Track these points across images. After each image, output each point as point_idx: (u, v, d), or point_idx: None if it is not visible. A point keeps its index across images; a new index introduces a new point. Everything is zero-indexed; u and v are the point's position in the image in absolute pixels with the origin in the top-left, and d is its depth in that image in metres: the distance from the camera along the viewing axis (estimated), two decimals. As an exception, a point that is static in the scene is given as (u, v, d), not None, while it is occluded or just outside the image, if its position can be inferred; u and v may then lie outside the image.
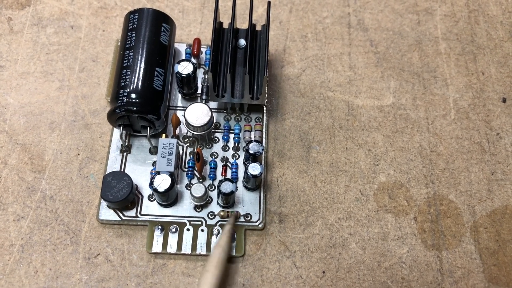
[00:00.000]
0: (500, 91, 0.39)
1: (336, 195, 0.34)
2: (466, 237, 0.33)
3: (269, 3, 0.34)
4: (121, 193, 0.31)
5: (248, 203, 0.33)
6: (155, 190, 0.30)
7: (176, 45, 0.38)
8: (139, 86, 0.32)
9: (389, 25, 0.41)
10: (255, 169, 0.31)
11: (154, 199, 0.33)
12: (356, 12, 0.42)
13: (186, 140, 0.35)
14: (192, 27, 0.40)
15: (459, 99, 0.38)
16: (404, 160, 0.36)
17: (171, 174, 0.31)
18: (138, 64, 0.33)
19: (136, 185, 0.33)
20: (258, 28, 0.37)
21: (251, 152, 0.32)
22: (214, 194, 0.33)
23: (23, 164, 0.34)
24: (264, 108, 0.36)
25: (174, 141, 0.32)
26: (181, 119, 0.35)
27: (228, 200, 0.32)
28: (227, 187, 0.31)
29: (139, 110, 0.32)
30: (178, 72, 0.33)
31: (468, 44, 0.41)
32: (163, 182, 0.30)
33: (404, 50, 0.40)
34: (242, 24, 0.40)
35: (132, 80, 0.32)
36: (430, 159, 0.36)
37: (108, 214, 0.32)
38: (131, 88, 0.32)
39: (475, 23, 0.42)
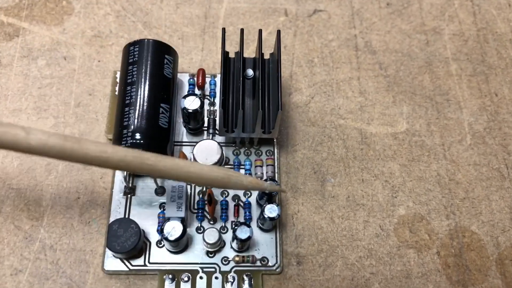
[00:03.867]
0: (515, 113, 0.37)
1: (355, 232, 0.33)
2: (492, 271, 0.32)
3: (278, 31, 0.32)
4: (128, 243, 0.29)
5: (264, 245, 0.31)
6: (166, 239, 0.28)
7: (178, 75, 0.36)
8: (144, 125, 0.30)
9: (397, 46, 0.40)
10: (272, 211, 0.29)
11: (163, 246, 0.30)
12: (363, 33, 0.40)
13: (194, 178, 0.32)
14: (193, 55, 0.38)
15: (474, 123, 0.37)
16: (423, 191, 0.34)
17: (182, 220, 0.29)
18: (142, 101, 0.31)
19: (143, 230, 0.31)
20: (266, 56, 0.35)
21: (267, 192, 0.30)
22: (226, 236, 0.31)
23: (18, 211, 0.31)
24: (275, 141, 0.34)
25: (183, 183, 0.30)
26: (188, 155, 0.33)
27: (244, 245, 0.30)
28: (243, 232, 0.29)
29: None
30: (184, 108, 0.31)
31: (479, 64, 0.39)
32: (174, 230, 0.28)
33: (414, 72, 0.39)
34: (245, 51, 0.38)
35: (136, 118, 0.30)
36: (449, 188, 0.34)
37: (114, 264, 0.30)
38: (135, 127, 0.30)
39: (484, 42, 0.41)
